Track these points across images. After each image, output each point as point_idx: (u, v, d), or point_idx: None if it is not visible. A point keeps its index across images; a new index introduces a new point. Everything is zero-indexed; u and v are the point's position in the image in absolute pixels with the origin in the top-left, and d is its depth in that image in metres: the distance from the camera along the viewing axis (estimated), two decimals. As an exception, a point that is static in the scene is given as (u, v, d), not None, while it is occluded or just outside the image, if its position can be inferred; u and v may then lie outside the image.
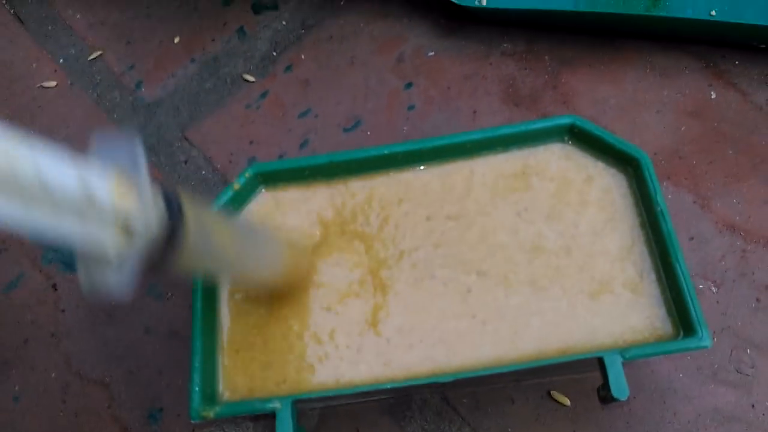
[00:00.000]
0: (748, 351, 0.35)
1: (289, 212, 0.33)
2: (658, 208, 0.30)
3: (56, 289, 0.40)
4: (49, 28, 0.49)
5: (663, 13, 0.43)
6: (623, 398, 0.26)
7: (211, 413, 0.28)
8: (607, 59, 0.44)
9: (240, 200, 0.33)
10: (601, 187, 0.32)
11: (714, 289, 0.37)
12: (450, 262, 0.32)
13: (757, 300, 0.37)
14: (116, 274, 0.19)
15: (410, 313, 0.31)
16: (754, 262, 0.37)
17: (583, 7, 0.44)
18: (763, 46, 0.42)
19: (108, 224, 0.18)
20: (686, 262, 0.37)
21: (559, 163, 0.32)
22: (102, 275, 0.19)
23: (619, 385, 0.27)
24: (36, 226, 0.17)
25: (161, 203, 0.20)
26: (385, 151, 0.33)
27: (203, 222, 0.22)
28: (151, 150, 0.44)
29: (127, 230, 0.19)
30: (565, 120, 0.32)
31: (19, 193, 0.16)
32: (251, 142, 0.44)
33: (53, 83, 0.47)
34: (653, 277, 0.30)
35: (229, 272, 0.27)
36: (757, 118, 0.41)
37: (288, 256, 0.30)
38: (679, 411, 0.34)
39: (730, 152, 0.40)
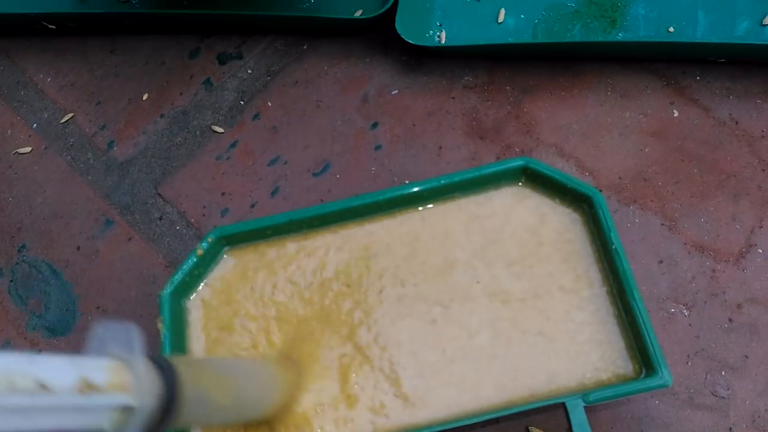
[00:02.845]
0: (723, 373, 0.35)
1: (253, 273, 0.34)
2: (613, 247, 0.30)
3: (40, 357, 0.41)
4: (22, 93, 0.50)
5: (620, 34, 0.44)
6: (587, 443, 0.27)
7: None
8: (567, 84, 0.44)
9: (205, 264, 0.34)
10: (555, 228, 0.32)
11: (686, 312, 0.37)
12: (415, 296, 0.32)
13: (730, 320, 0.37)
14: None
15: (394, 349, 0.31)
16: (724, 282, 0.37)
17: (541, 38, 0.44)
18: (722, 60, 0.42)
19: (107, 408, 0.20)
20: (657, 285, 0.38)
21: (512, 205, 0.33)
22: None
23: (582, 430, 0.27)
24: (34, 428, 0.18)
25: (156, 376, 0.21)
26: (342, 206, 0.33)
27: (201, 384, 0.23)
28: (126, 209, 0.45)
29: (125, 409, 0.20)
30: (517, 162, 0.32)
31: (19, 407, 0.17)
32: (223, 194, 0.44)
33: (28, 149, 0.48)
34: (613, 315, 0.30)
35: (230, 419, 0.28)
36: (721, 133, 0.41)
37: (284, 378, 0.30)
38: (657, 439, 0.34)
39: (695, 171, 0.40)
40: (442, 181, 0.33)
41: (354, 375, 0.30)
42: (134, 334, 0.21)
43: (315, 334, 0.31)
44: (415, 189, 0.33)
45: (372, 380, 0.30)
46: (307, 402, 0.30)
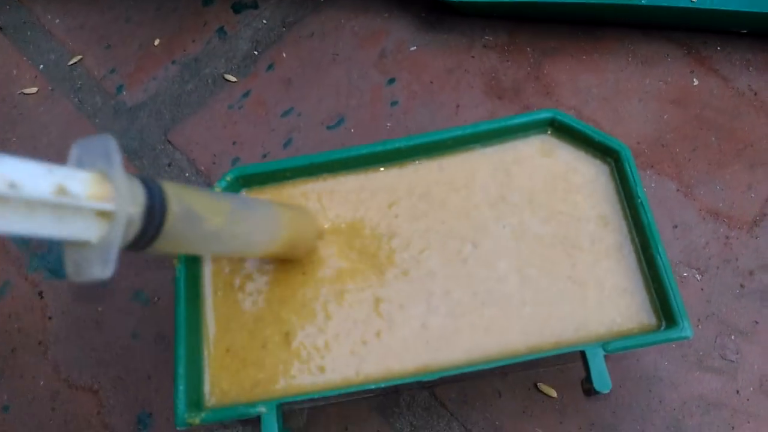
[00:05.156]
0: (733, 337, 0.36)
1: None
2: (639, 201, 0.30)
3: (42, 297, 0.40)
4: (29, 33, 0.49)
5: (644, 1, 0.43)
6: (605, 391, 0.27)
7: (197, 419, 0.28)
8: (588, 48, 0.44)
9: (221, 204, 0.33)
10: (582, 176, 0.32)
11: (698, 277, 0.37)
12: (443, 235, 0.32)
13: (741, 286, 0.37)
14: (98, 257, 0.19)
15: (411, 292, 0.31)
16: (737, 249, 0.38)
17: (563, -2, 0.43)
18: (744, 31, 0.42)
19: (86, 215, 0.19)
20: (671, 250, 0.38)
21: (539, 153, 0.32)
22: (85, 259, 0.20)
23: (601, 378, 0.27)
24: (13, 229, 0.17)
25: (140, 188, 0.20)
26: (364, 151, 0.33)
27: (189, 202, 0.22)
28: (134, 154, 0.44)
29: (106, 217, 0.19)
30: (545, 114, 0.32)
31: None
32: (234, 143, 0.44)
33: (34, 89, 0.47)
34: (636, 267, 0.30)
35: (223, 248, 0.26)
36: (739, 103, 0.41)
37: (292, 222, 0.29)
38: (665, 399, 0.34)
39: (713, 139, 0.40)
40: (467, 130, 0.32)
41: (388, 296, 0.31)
42: (113, 146, 0.20)
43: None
44: (440, 137, 0.32)
45: (404, 297, 0.31)
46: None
